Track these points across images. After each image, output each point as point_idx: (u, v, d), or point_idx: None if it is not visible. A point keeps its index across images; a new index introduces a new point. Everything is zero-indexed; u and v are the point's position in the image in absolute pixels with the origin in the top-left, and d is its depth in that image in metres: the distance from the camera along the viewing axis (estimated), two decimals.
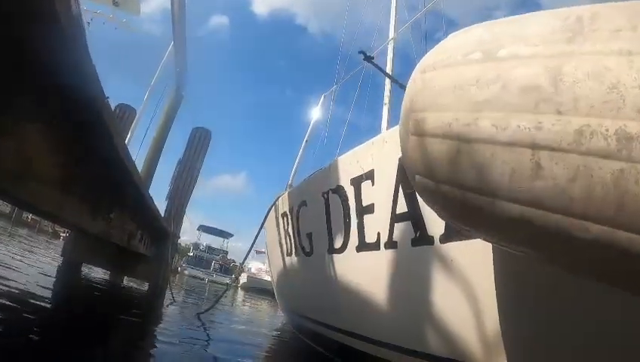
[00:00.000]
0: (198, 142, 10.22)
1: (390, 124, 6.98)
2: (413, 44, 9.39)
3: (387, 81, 7.45)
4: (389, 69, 7.75)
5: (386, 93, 7.44)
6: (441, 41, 1.46)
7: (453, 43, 1.39)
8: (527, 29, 1.24)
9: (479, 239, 2.20)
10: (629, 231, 0.96)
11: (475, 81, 1.21)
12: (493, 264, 2.22)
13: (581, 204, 1.00)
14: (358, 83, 8.29)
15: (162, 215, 8.80)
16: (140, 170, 8.47)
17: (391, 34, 8.26)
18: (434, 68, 1.36)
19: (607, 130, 0.96)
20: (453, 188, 1.28)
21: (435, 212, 1.58)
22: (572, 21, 1.13)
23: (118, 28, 13.82)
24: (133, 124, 11.06)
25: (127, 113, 9.82)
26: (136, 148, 10.05)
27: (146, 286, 8.59)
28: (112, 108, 9.54)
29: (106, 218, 4.47)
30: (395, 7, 8.75)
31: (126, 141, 10.51)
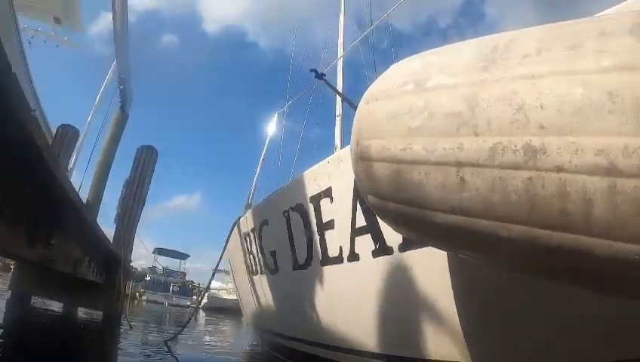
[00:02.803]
0: (145, 161, 9.81)
1: (344, 138, 7.20)
2: (362, 59, 9.65)
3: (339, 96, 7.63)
4: (339, 85, 7.90)
5: (338, 107, 7.59)
6: (383, 73, 1.66)
7: (392, 75, 1.59)
8: (450, 59, 1.44)
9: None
10: (542, 228, 1.13)
11: (408, 110, 1.40)
12: (449, 267, 2.42)
13: (500, 208, 1.18)
14: (310, 98, 8.42)
15: (112, 239, 8.48)
16: (87, 194, 8.15)
17: (340, 52, 8.45)
18: (376, 99, 1.56)
19: (515, 146, 1.13)
20: (398, 205, 1.48)
21: (389, 226, 1.78)
22: (488, 50, 1.32)
23: (60, 45, 13.26)
24: (78, 145, 10.44)
25: (69, 134, 9.20)
26: (83, 170, 9.57)
27: (101, 316, 8.27)
28: (54, 129, 9.09)
29: (47, 244, 4.28)
30: (343, 25, 8.99)
31: (71, 164, 10.06)
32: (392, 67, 1.66)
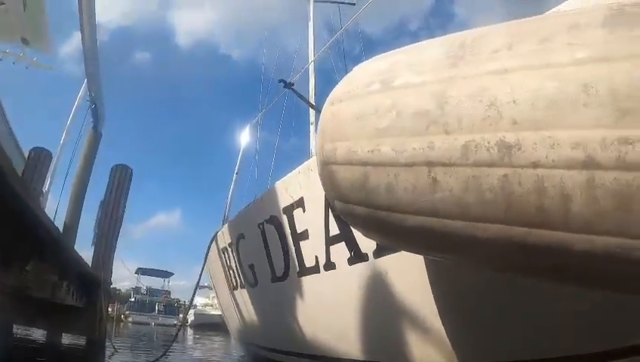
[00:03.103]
0: (119, 181, 9.63)
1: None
2: (334, 66, 9.71)
3: (311, 100, 7.65)
4: (311, 93, 7.92)
5: (311, 116, 7.61)
6: (347, 74, 1.61)
7: (358, 75, 1.54)
8: (418, 57, 1.39)
9: None
10: (519, 226, 1.08)
11: (374, 110, 1.34)
12: (426, 269, 2.39)
13: (475, 208, 1.13)
14: (282, 107, 8.44)
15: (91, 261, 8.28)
16: (64, 217, 7.93)
17: (310, 57, 8.46)
18: (340, 100, 1.49)
19: (488, 143, 1.09)
20: (366, 209, 1.41)
21: (358, 231, 1.72)
22: (456, 47, 1.28)
23: (29, 67, 13.00)
24: (52, 167, 10.17)
25: (42, 156, 8.95)
26: (58, 193, 9.34)
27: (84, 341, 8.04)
28: (26, 151, 8.86)
29: (22, 269, 4.17)
30: (313, 32, 9.04)
31: (46, 187, 9.81)
32: (357, 67, 1.61)
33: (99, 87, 8.34)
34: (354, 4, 10.38)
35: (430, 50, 1.39)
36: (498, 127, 1.08)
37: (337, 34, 7.14)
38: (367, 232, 1.70)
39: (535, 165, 1.03)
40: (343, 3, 10.67)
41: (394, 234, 1.50)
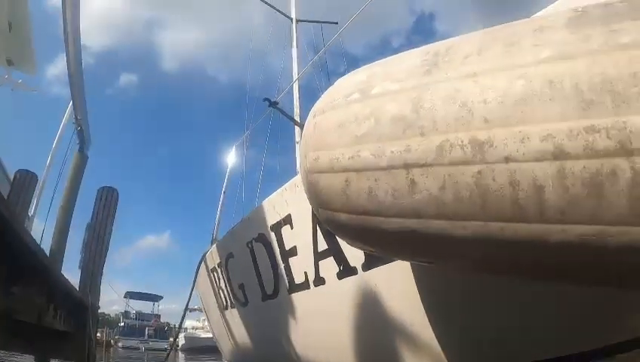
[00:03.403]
0: (106, 203, 9.51)
1: None
2: (317, 83, 9.80)
3: (296, 119, 7.70)
4: (296, 109, 7.97)
5: (296, 135, 7.64)
6: (330, 87, 1.66)
7: (338, 87, 1.59)
8: (395, 67, 1.45)
9: (396, 261, 2.41)
10: (496, 221, 1.12)
11: (354, 118, 1.38)
12: (414, 279, 2.39)
13: (453, 206, 1.16)
14: (268, 126, 8.50)
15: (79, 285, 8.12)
16: (51, 240, 7.78)
17: (294, 76, 8.55)
18: (323, 111, 1.54)
19: (462, 141, 1.13)
20: (349, 215, 1.44)
21: (343, 240, 1.75)
22: (430, 55, 1.34)
23: (14, 89, 12.86)
24: (38, 190, 10.03)
25: (27, 179, 8.84)
26: (44, 216, 9.20)
27: None
28: (11, 174, 8.74)
29: (8, 292, 4.09)
30: (297, 52, 9.14)
31: (32, 210, 9.66)
32: (338, 80, 1.67)
33: (84, 109, 8.28)
34: (336, 23, 10.56)
35: (407, 60, 1.44)
36: (470, 125, 1.13)
37: (320, 52, 7.25)
38: (352, 239, 1.72)
39: (507, 160, 1.06)
40: (325, 23, 10.83)
41: (377, 239, 1.52)
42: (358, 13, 4.40)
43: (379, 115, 1.32)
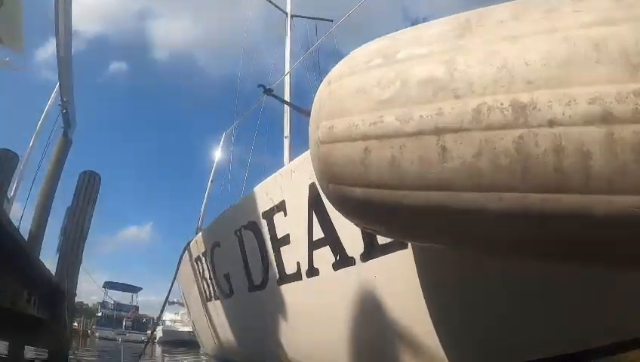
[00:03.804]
0: (87, 187, 9.29)
1: (292, 157, 7.14)
2: (310, 82, 9.74)
3: (286, 114, 7.68)
4: (287, 108, 7.94)
5: (286, 129, 7.55)
6: (344, 57, 1.53)
7: (356, 55, 1.47)
8: (422, 32, 1.35)
9: (398, 251, 2.27)
10: (536, 192, 1.03)
11: (376, 83, 1.27)
12: (417, 271, 2.28)
13: (489, 176, 1.07)
14: (257, 120, 8.45)
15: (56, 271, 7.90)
16: (30, 224, 7.55)
17: (286, 69, 8.47)
18: (339, 78, 1.42)
19: (502, 104, 1.04)
20: (365, 189, 1.32)
21: (351, 220, 1.61)
22: (461, 21, 1.25)
23: (1, 67, 12.52)
24: (19, 172, 9.77)
25: (8, 159, 8.56)
26: (24, 199, 8.94)
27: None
28: None
29: None
30: (291, 47, 9.06)
31: (12, 192, 9.38)
32: (356, 49, 1.53)
33: (71, 92, 8.05)
34: (331, 21, 10.45)
35: (435, 26, 1.35)
36: (511, 87, 1.05)
37: (314, 46, 7.19)
38: (364, 218, 1.58)
39: (552, 123, 1.00)
40: (320, 19, 10.75)
41: (395, 217, 1.38)
42: (353, 10, 4.34)
43: (406, 78, 1.22)
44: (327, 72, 1.59)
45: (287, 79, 7.88)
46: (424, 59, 1.23)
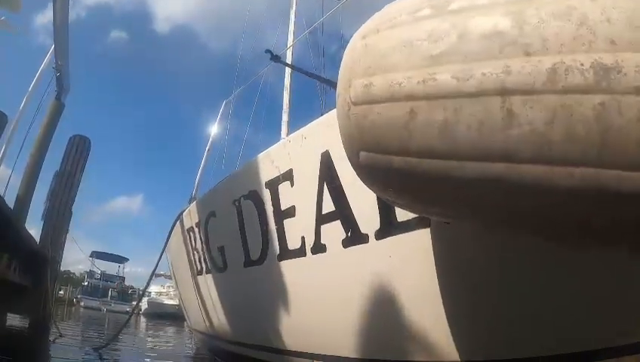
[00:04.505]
0: (77, 151, 9.03)
1: (290, 132, 7.04)
2: (313, 64, 9.66)
3: (286, 92, 7.65)
4: (287, 75, 7.87)
5: (285, 96, 7.47)
6: (381, 9, 1.33)
7: (395, 6, 1.27)
8: None
9: (418, 230, 2.05)
10: (614, 168, 0.91)
11: (426, 36, 1.10)
12: (434, 253, 2.10)
13: (561, 147, 0.93)
14: (255, 100, 8.43)
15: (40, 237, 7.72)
16: (17, 188, 7.33)
17: (289, 42, 8.28)
18: (377, 31, 1.24)
19: (582, 65, 0.91)
20: (407, 159, 1.15)
21: (385, 195, 1.44)
22: None
23: None
24: (9, 132, 9.48)
25: None
26: (13, 162, 8.71)
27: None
28: None
29: None
30: (294, 19, 8.90)
31: (0, 153, 9.08)
32: (389, 4, 1.33)
33: (66, 55, 7.71)
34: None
35: None
36: (592, 47, 0.91)
37: (317, 22, 7.05)
38: (399, 192, 1.38)
39: (638, 91, 0.86)
40: None
41: (441, 193, 1.21)
42: None
43: (464, 31, 1.05)
44: (329, 53, 1.34)
45: (289, 54, 7.68)
46: (486, 11, 1.06)
